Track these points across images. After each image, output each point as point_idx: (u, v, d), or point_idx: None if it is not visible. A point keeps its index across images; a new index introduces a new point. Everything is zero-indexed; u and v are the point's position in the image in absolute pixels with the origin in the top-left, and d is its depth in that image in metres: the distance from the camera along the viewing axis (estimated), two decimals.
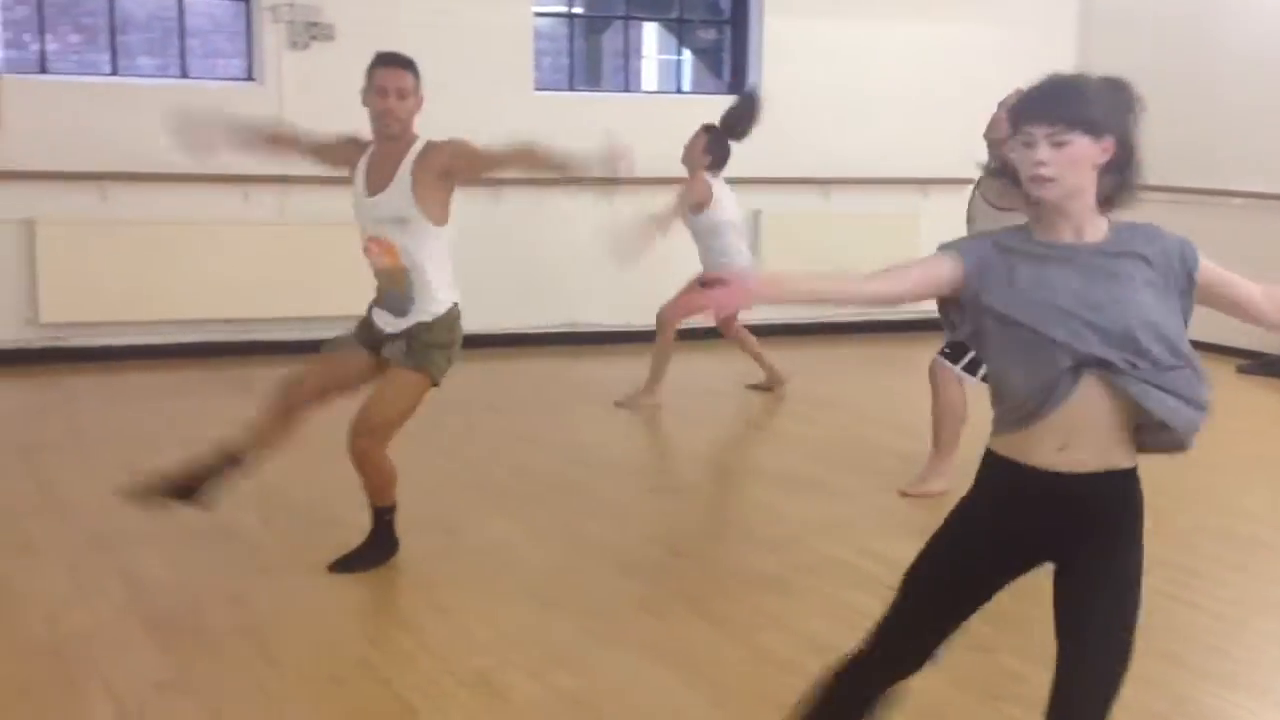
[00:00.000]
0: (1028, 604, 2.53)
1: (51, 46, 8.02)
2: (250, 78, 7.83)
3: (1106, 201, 2.26)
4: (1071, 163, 2.18)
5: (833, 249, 8.15)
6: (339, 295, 6.62)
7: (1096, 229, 2.24)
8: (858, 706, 2.43)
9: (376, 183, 4.01)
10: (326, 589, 3.95)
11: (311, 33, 7.65)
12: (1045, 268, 2.21)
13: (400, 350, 3.98)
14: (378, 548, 4.11)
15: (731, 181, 8.39)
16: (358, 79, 4.06)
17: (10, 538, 4.37)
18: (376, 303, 4.08)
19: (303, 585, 3.98)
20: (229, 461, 4.03)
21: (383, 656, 3.50)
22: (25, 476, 5.10)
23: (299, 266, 7.56)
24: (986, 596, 2.36)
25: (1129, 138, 2.24)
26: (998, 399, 2.31)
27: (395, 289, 4.01)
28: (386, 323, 4.02)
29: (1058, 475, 2.22)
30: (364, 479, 4.05)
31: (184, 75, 8.05)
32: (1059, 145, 2.17)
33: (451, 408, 6.61)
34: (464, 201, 7.93)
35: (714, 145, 6.63)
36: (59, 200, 7.21)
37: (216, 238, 7.51)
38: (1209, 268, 2.26)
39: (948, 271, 2.27)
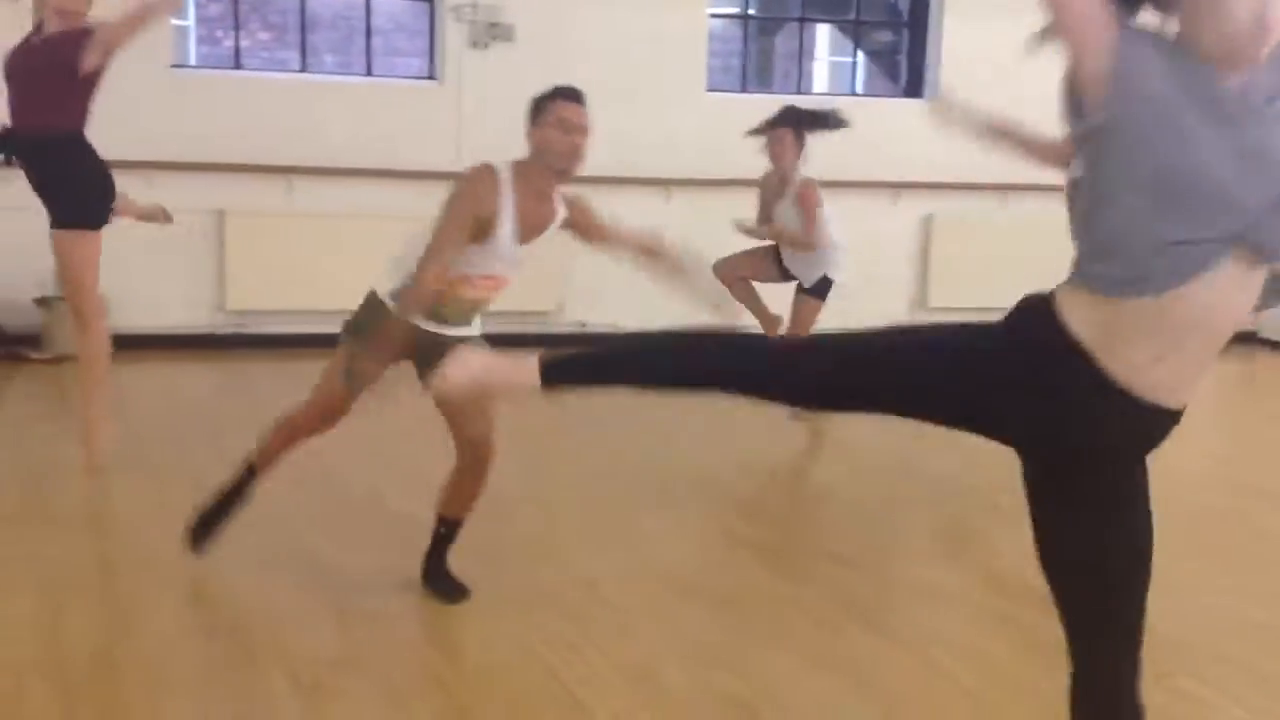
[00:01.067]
0: None
1: (243, 43, 8.34)
2: (431, 77, 8.02)
3: None
4: None
5: (1007, 255, 7.97)
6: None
7: None
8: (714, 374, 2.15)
9: (531, 228, 3.63)
10: (494, 577, 4.03)
11: (492, 33, 7.80)
12: None
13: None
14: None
15: (905, 186, 8.31)
16: (534, 79, 4.08)
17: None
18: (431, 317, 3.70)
19: (471, 573, 4.06)
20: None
21: (547, 646, 3.55)
22: (212, 456, 5.29)
23: None
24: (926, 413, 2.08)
25: None
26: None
27: (470, 313, 3.79)
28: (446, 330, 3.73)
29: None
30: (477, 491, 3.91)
31: (368, 73, 8.29)
32: None
33: (612, 404, 6.69)
34: (633, 199, 8.05)
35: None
36: (248, 192, 7.51)
37: (392, 231, 7.67)
38: None
39: None
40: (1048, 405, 1.90)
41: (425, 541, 4.16)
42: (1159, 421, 1.88)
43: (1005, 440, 2.06)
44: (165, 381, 6.05)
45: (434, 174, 7.46)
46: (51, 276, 6.96)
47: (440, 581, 3.90)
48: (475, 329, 3.83)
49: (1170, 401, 1.85)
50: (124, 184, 5.18)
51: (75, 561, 4.10)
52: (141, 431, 5.38)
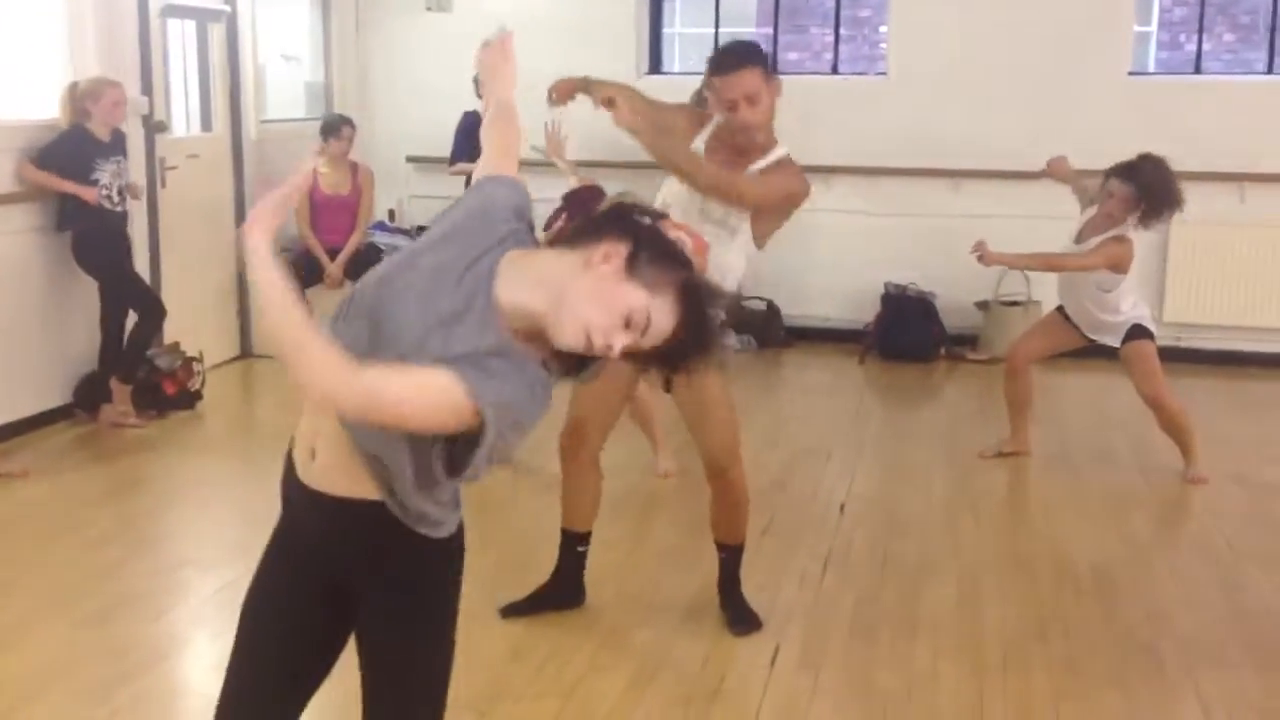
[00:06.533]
0: None
1: (1205, 46, 8.00)
2: None
3: None
4: None
5: None
6: None
7: None
8: None
9: None
10: None
11: None
12: None
13: None
14: None
15: None
16: None
17: (1118, 528, 4.50)
18: None
19: None
20: (574, 544, 3.62)
21: None
22: (1132, 470, 5.17)
23: None
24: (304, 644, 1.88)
25: None
26: None
27: None
28: None
29: (305, 489, 1.85)
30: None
31: None
32: None
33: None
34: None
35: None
36: (1196, 200, 7.17)
37: None
38: None
39: None
40: None
41: None
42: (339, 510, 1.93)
43: None
44: (1095, 389, 6.08)
45: None
46: (993, 282, 7.28)
47: (729, 609, 3.60)
48: None
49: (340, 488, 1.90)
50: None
51: (992, 552, 4.22)
52: (1066, 434, 5.40)
